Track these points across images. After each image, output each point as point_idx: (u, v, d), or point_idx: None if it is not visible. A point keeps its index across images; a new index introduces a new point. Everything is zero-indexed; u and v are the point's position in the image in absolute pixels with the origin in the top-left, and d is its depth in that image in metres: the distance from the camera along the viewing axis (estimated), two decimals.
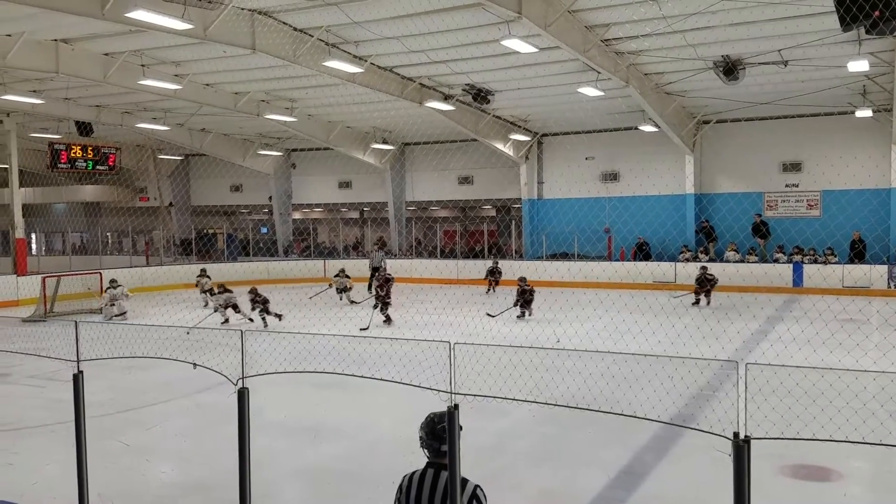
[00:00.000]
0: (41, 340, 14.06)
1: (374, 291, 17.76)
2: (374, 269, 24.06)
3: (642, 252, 24.44)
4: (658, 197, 24.49)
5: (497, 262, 23.48)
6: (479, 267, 25.75)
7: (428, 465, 3.49)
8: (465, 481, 3.39)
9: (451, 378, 3.17)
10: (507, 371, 5.54)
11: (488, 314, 16.57)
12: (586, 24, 15.33)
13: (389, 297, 16.66)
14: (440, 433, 3.43)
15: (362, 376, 3.83)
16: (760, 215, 23.59)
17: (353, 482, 6.72)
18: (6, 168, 23.94)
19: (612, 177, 26.09)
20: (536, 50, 15.50)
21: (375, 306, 16.49)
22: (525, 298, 17.04)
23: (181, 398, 9.75)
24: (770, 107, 21.17)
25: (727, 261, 22.66)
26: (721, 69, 17.59)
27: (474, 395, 3.32)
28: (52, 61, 16.59)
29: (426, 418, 3.53)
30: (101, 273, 20.52)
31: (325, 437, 8.06)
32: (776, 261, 22.47)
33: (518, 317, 16.85)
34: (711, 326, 13.37)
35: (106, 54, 17.48)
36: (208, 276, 21.07)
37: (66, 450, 4.40)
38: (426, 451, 3.51)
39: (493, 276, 22.95)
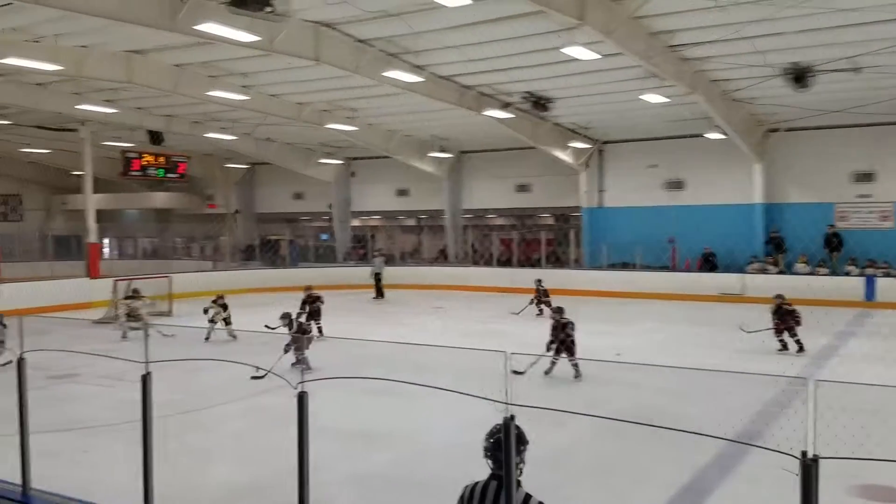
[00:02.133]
0: (111, 342, 14.56)
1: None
2: (377, 276, 24.30)
3: (708, 263, 23.80)
4: (725, 206, 23.88)
5: (540, 282, 19.57)
6: (538, 276, 25.56)
7: (492, 476, 3.45)
8: (528, 497, 3.34)
9: (507, 388, 3.13)
10: (566, 383, 5.46)
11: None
12: (650, 31, 15.09)
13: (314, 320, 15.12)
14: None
15: (417, 384, 3.83)
16: (833, 226, 22.76)
17: (406, 489, 6.73)
18: (81, 175, 24.96)
19: (677, 185, 25.56)
20: (598, 57, 15.34)
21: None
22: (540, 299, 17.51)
23: (241, 400, 9.94)
24: (842, 115, 20.42)
25: (797, 273, 21.92)
26: (790, 76, 17.06)
27: (530, 407, 3.28)
28: (125, 72, 17.24)
29: (492, 429, 3.47)
30: (170, 277, 21.14)
31: (378, 444, 8.10)
32: (848, 274, 21.62)
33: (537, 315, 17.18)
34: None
35: (176, 65, 18.07)
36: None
37: (132, 449, 4.52)
38: (490, 462, 3.47)
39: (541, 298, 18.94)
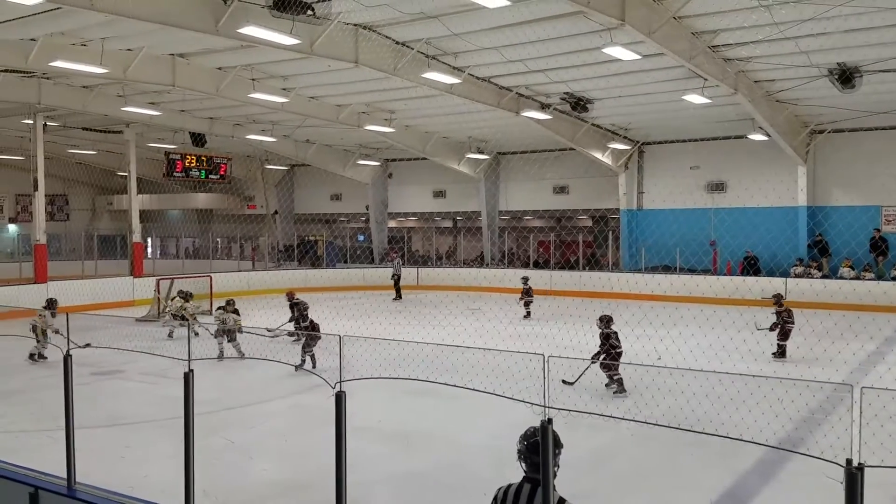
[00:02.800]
0: (154, 339, 14.85)
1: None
2: (396, 278, 24.33)
3: (751, 266, 23.36)
4: (768, 209, 23.43)
5: (527, 280, 20.49)
6: (574, 278, 25.40)
7: (525, 479, 3.43)
8: (562, 500, 3.31)
9: (546, 391, 3.11)
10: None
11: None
12: (693, 31, 14.88)
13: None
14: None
15: (456, 385, 3.82)
16: (879, 230, 22.18)
17: (443, 490, 6.73)
18: (125, 176, 25.51)
19: (719, 187, 25.16)
20: (639, 57, 15.19)
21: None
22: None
23: (281, 398, 10.06)
24: (890, 116, 19.90)
25: (842, 277, 21.41)
26: (836, 77, 16.68)
27: (569, 410, 3.25)
28: (169, 75, 17.57)
29: (526, 431, 3.46)
30: (210, 276, 21.49)
31: (416, 445, 8.12)
32: (895, 279, 21.05)
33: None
34: (825, 347, 12.63)
35: (219, 68, 18.36)
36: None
37: (174, 445, 4.60)
38: (524, 464, 3.45)
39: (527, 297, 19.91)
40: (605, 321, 11.02)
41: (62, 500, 4.80)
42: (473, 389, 3.70)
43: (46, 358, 12.77)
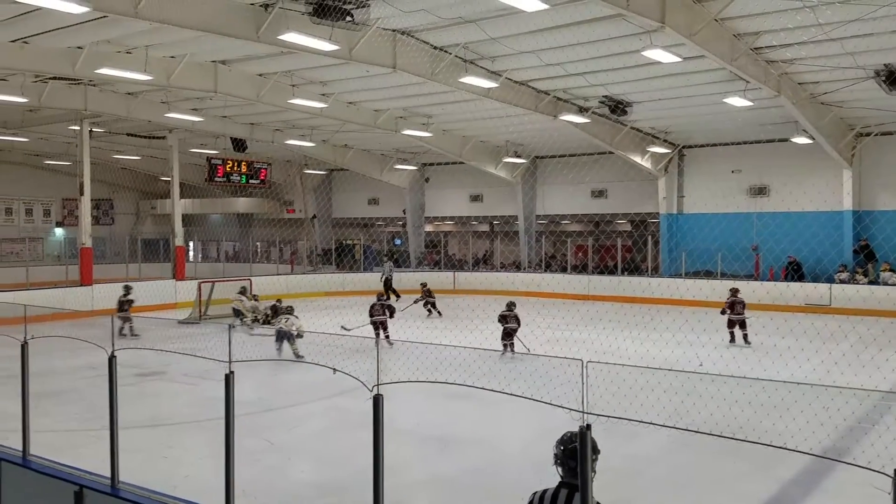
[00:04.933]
0: (196, 341, 15.08)
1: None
2: (387, 282, 24.18)
3: (795, 272, 22.85)
4: (812, 213, 22.93)
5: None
6: (613, 283, 25.14)
7: (561, 484, 3.41)
8: None
9: (584, 397, 3.08)
10: (644, 393, 5.34)
11: (343, 327, 16.12)
12: (735, 33, 14.64)
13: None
14: (577, 453, 3.33)
15: (494, 390, 3.81)
16: None
17: (480, 495, 6.70)
18: (168, 181, 26.02)
19: (761, 191, 24.70)
20: (680, 60, 15.00)
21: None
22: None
23: (320, 401, 10.14)
24: None
25: (885, 283, 20.85)
26: (883, 78, 16.26)
27: (608, 417, 3.21)
28: (211, 82, 17.88)
29: (563, 436, 3.44)
30: (250, 280, 21.78)
31: (453, 449, 8.11)
32: None
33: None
34: (872, 355, 12.30)
35: (259, 75, 18.63)
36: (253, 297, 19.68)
37: (215, 445, 4.67)
38: (560, 469, 3.43)
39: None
40: (508, 305, 14.73)
41: (106, 498, 4.90)
42: (511, 394, 3.69)
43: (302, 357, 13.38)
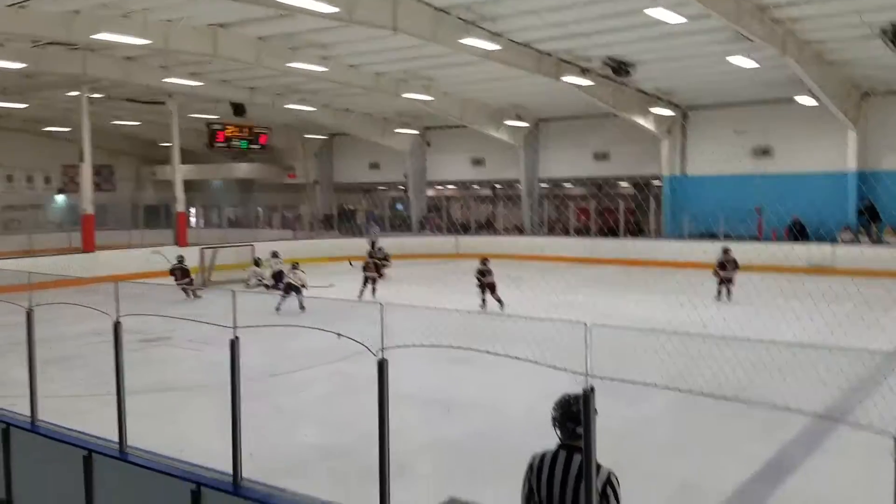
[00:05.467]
0: (199, 307, 15.15)
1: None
2: (372, 245, 24.14)
3: (800, 233, 22.73)
4: (816, 174, 22.80)
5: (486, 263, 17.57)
6: (616, 246, 25.11)
7: (560, 446, 3.44)
8: (598, 467, 3.31)
9: (587, 360, 3.09)
10: (648, 356, 5.35)
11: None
12: None
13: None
14: (576, 415, 3.35)
15: (497, 354, 3.82)
16: None
17: (484, 457, 6.78)
18: (168, 146, 25.90)
19: (765, 152, 24.51)
20: (684, 20, 14.77)
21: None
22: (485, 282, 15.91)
23: (325, 365, 10.20)
24: None
25: (888, 244, 20.80)
26: (890, 37, 16.00)
27: (611, 379, 3.22)
28: (210, 45, 17.66)
29: (561, 398, 3.47)
30: (253, 245, 21.81)
31: (457, 412, 8.19)
32: None
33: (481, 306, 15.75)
34: (877, 316, 12.31)
35: (259, 38, 18.40)
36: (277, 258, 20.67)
37: (221, 410, 4.70)
38: (559, 431, 3.46)
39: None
40: (483, 262, 16.13)
41: (115, 462, 4.96)
42: (515, 357, 3.70)
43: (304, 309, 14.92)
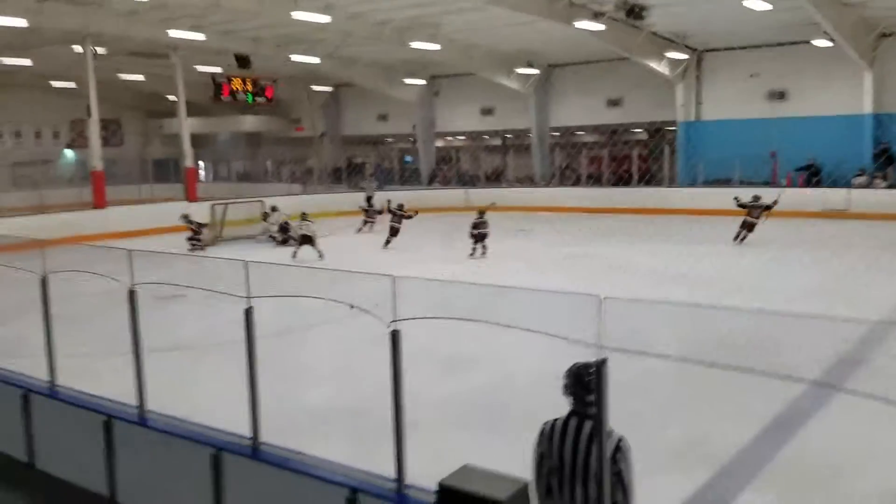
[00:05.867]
0: (213, 267, 15.19)
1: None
2: (368, 200, 24.02)
3: (813, 175, 22.43)
4: (831, 117, 22.41)
5: (482, 215, 17.47)
6: (629, 195, 24.91)
7: (571, 413, 3.48)
8: (610, 433, 3.34)
9: (599, 334, 3.08)
10: (657, 314, 5.33)
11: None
12: None
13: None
14: (587, 384, 3.37)
15: (509, 325, 3.82)
16: None
17: (492, 415, 6.84)
18: (174, 101, 25.67)
19: (780, 95, 24.06)
20: None
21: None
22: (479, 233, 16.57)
23: (336, 323, 10.24)
24: None
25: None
26: None
27: (624, 351, 3.22)
28: None
29: (572, 367, 3.48)
30: (262, 201, 21.78)
31: (467, 369, 8.24)
32: None
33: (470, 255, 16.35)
34: (890, 259, 12.19)
35: None
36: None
37: (237, 369, 4.71)
38: (571, 398, 3.48)
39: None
40: (480, 214, 16.66)
41: (135, 427, 5.04)
42: (527, 329, 3.69)
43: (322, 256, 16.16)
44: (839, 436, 6.18)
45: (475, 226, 16.69)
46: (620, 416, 3.42)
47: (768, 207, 15.98)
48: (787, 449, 5.93)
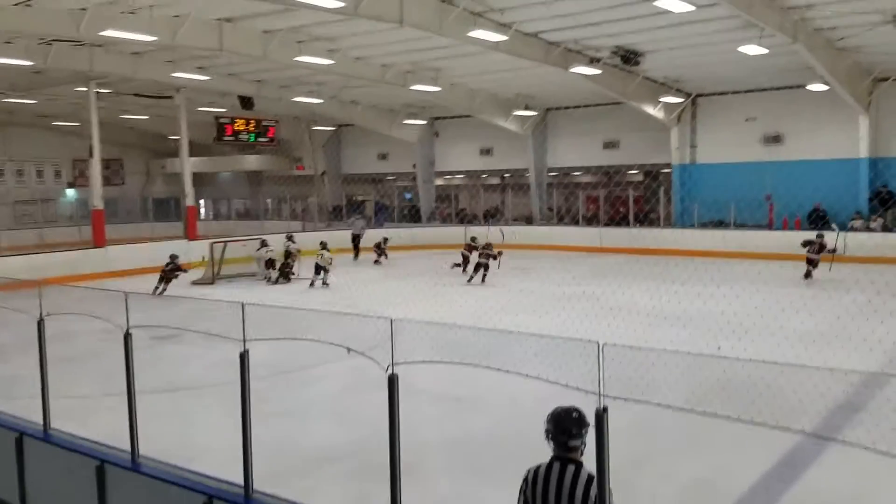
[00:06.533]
0: (209, 303, 15.15)
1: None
2: (356, 238, 24.26)
3: (821, 220, 22.34)
4: (827, 161, 22.60)
5: (475, 240, 19.69)
6: (625, 235, 24.99)
7: (554, 458, 3.48)
8: (592, 477, 3.35)
9: (601, 381, 3.07)
10: (654, 354, 5.28)
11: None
12: None
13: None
14: (568, 428, 3.42)
15: (509, 371, 3.81)
16: None
17: (492, 459, 6.77)
18: (177, 139, 25.91)
19: (775, 139, 24.31)
20: (693, 8, 14.60)
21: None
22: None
23: (334, 363, 10.19)
24: None
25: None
26: None
27: (625, 399, 3.21)
28: (217, 40, 17.61)
29: (553, 412, 3.52)
30: (262, 239, 21.80)
31: (468, 408, 8.18)
32: None
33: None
34: (885, 300, 12.16)
35: (265, 32, 18.32)
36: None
37: (231, 410, 4.67)
38: (553, 444, 3.49)
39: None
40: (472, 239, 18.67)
41: (127, 473, 4.98)
42: (527, 375, 3.69)
43: (327, 285, 18.08)
44: (841, 481, 6.13)
45: (468, 248, 17.96)
46: (619, 459, 3.40)
47: (832, 251, 17.07)
48: (799, 484, 5.88)
